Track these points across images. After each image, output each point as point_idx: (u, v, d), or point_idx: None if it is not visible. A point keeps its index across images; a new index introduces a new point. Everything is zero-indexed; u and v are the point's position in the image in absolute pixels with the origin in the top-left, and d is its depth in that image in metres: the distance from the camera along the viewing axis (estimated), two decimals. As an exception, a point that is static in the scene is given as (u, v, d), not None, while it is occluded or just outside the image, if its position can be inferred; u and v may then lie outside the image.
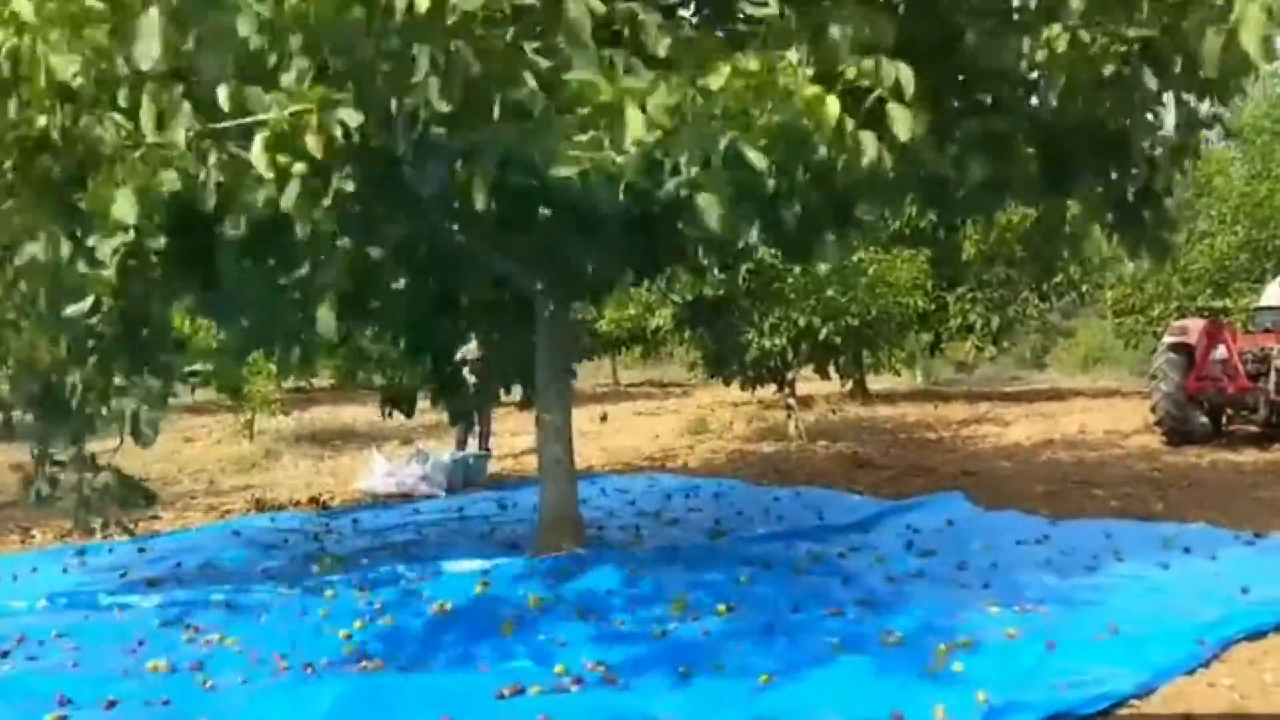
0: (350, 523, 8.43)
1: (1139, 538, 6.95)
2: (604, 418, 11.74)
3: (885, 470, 10.64)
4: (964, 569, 6.26)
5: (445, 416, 9.20)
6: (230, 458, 12.66)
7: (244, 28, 3.61)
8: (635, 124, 3.62)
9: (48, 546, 7.96)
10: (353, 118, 3.75)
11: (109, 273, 4.41)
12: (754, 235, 4.54)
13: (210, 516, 9.12)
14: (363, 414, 17.66)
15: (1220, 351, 11.70)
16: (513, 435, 13.49)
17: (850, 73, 4.16)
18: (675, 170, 4.00)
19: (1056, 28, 4.65)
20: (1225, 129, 6.00)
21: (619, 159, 3.71)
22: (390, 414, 8.40)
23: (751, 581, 5.89)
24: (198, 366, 6.88)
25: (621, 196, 3.90)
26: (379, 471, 10.19)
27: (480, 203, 4.20)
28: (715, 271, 8.94)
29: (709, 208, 4.10)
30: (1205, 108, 5.55)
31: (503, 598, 5.68)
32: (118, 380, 5.57)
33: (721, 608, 5.40)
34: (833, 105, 3.86)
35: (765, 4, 4.41)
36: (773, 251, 9.93)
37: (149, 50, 3.63)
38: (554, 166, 3.67)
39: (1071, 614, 5.32)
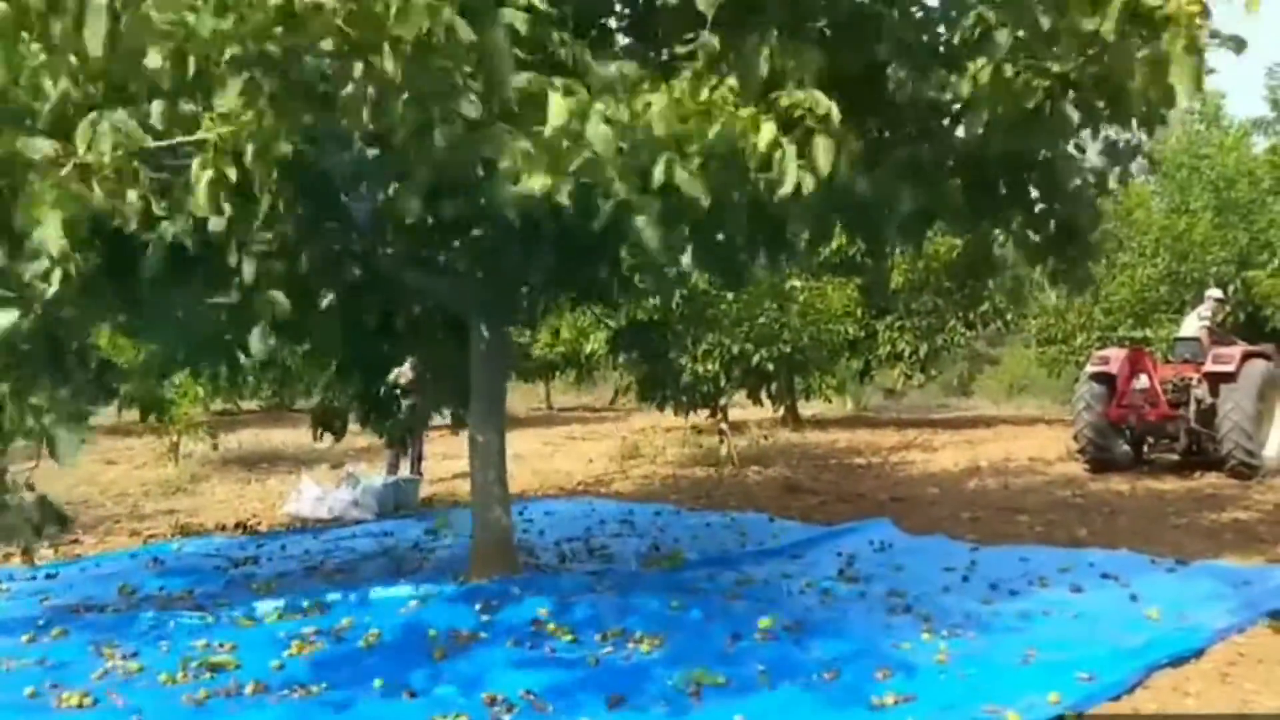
0: (279, 548, 8.28)
1: (1063, 564, 7.08)
2: None
3: (816, 496, 10.73)
4: (893, 594, 6.32)
5: (377, 439, 9.12)
6: (154, 481, 12.37)
7: (152, 59, 3.55)
8: (558, 109, 3.63)
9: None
10: (285, 144, 3.72)
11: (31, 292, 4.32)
12: (687, 259, 4.58)
13: (133, 541, 8.90)
14: (292, 437, 17.40)
15: (1142, 380, 11.99)
16: (444, 459, 13.36)
17: (783, 100, 4.24)
18: (610, 193, 4.04)
19: (981, 61, 4.78)
20: (1150, 160, 6.17)
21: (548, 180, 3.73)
22: (321, 436, 8.29)
23: (684, 608, 5.89)
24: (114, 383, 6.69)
25: (560, 213, 3.93)
26: (309, 496, 10.03)
27: (411, 214, 4.21)
28: (650, 296, 8.97)
29: (644, 230, 4.14)
30: (1128, 139, 5.74)
31: (434, 624, 5.61)
32: (35, 400, 5.44)
33: (652, 636, 5.39)
34: (767, 129, 3.93)
35: (695, 35, 4.48)
36: (706, 277, 10.02)
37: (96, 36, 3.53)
38: (494, 181, 3.67)
39: (998, 639, 5.41)
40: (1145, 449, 12.47)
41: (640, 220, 4.19)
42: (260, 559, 7.89)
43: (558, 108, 3.66)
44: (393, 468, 11.33)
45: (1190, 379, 11.82)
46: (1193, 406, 11.70)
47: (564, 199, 3.70)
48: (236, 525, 9.49)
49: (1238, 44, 4.50)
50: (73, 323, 5.38)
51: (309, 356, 7.48)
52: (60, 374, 5.48)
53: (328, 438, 8.81)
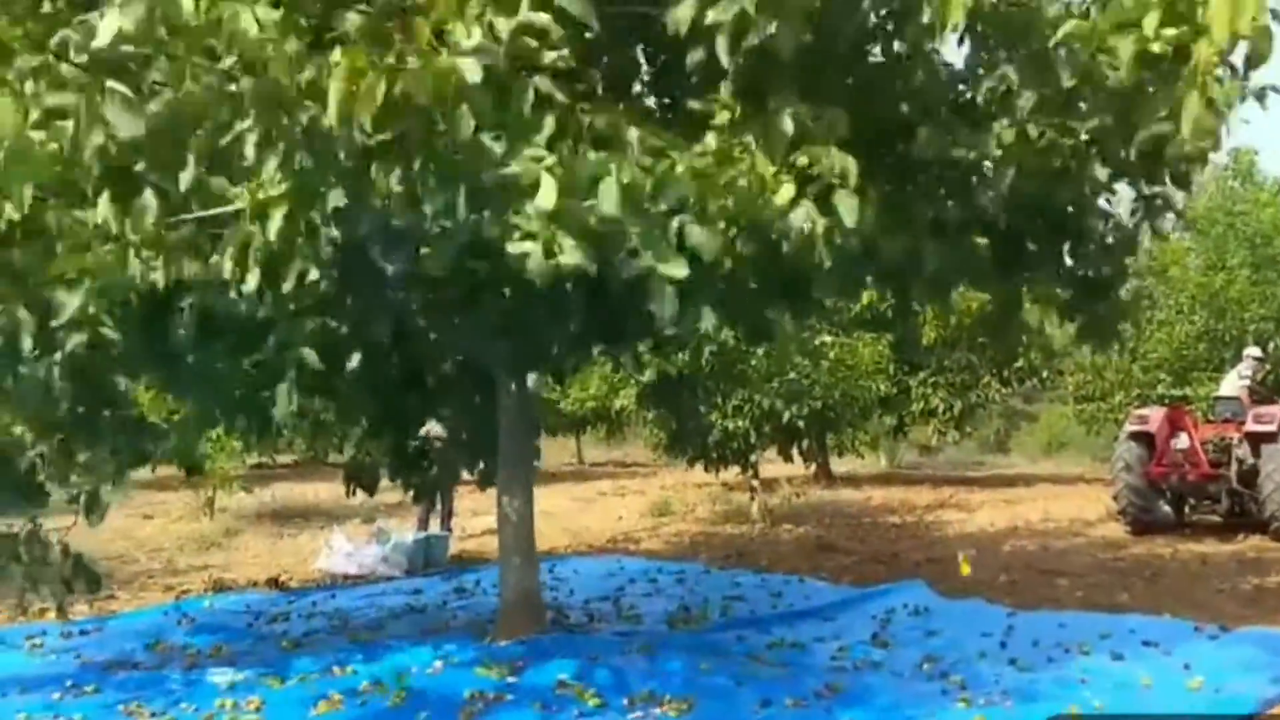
0: (309, 604, 8.29)
1: (1103, 629, 6.91)
2: None
3: (849, 555, 10.60)
4: (928, 660, 6.21)
5: (407, 494, 9.14)
6: (189, 536, 12.45)
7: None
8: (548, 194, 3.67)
9: (2, 626, 7.76)
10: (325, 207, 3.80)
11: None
12: (708, 318, 4.59)
13: (168, 596, 8.95)
14: (326, 491, 17.44)
15: (1182, 440, 11.81)
16: (474, 514, 13.36)
17: (801, 160, 4.27)
18: (633, 253, 4.07)
19: (1005, 121, 4.79)
20: (1180, 216, 6.12)
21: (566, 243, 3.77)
22: (353, 491, 8.32)
23: (712, 671, 5.82)
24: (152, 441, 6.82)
25: (581, 272, 3.96)
26: (339, 551, 10.05)
27: (438, 268, 4.27)
28: (678, 352, 8.99)
29: (661, 289, 4.16)
30: (1158, 195, 5.71)
31: (460, 686, 5.58)
32: (76, 460, 5.55)
33: (680, 700, 5.32)
34: (785, 188, 3.95)
35: (718, 97, 4.53)
36: (735, 333, 10.02)
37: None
38: (511, 244, 3.71)
39: (1035, 709, 5.28)
40: (1187, 510, 12.25)
41: (657, 281, 4.22)
42: (290, 615, 7.90)
43: (547, 192, 3.70)
44: (423, 523, 11.33)
45: (1231, 439, 11.63)
46: (1234, 467, 11.49)
47: (572, 262, 3.73)
48: (268, 581, 9.52)
49: (1262, 96, 4.49)
50: (109, 383, 5.49)
51: (340, 412, 7.53)
52: (99, 434, 5.58)
53: (359, 493, 8.84)
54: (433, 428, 8.86)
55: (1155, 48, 3.91)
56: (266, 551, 11.70)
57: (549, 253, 3.66)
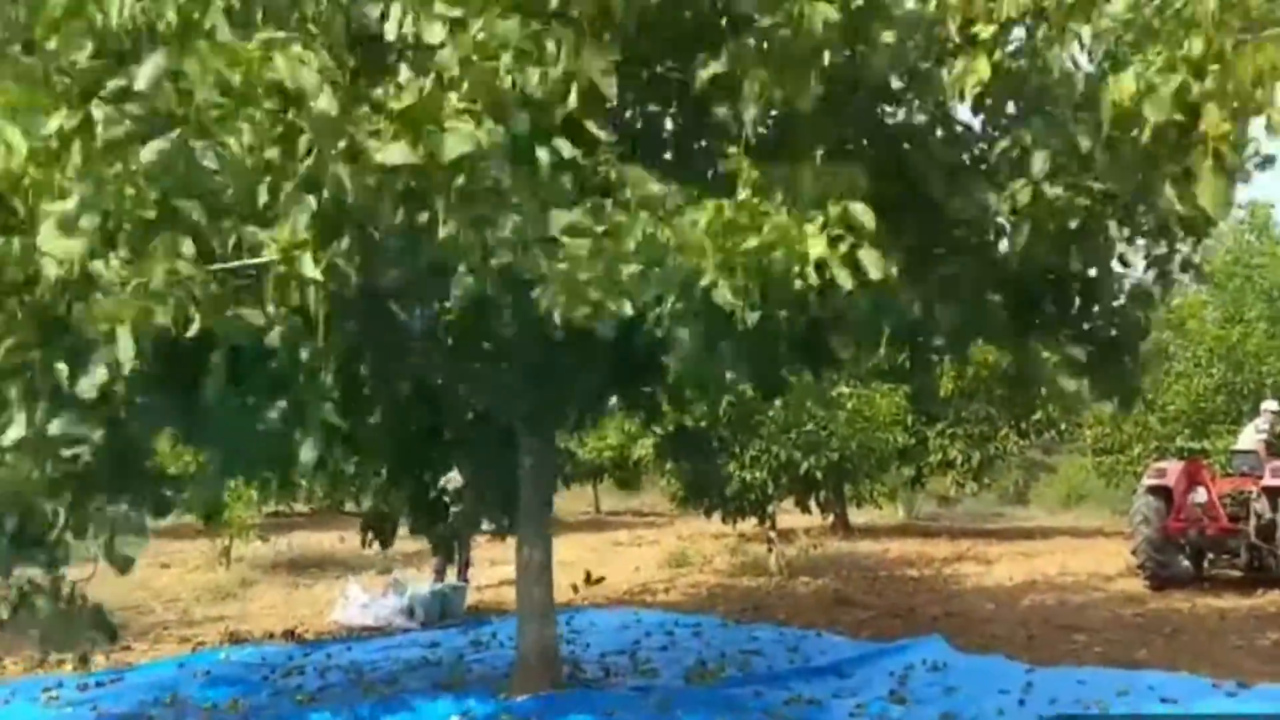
0: (324, 657, 8.28)
1: (1121, 686, 6.85)
2: (589, 579, 11.51)
3: (866, 610, 10.55)
4: (946, 717, 6.17)
5: (425, 545, 9.18)
6: (205, 586, 12.47)
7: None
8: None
9: (19, 677, 7.79)
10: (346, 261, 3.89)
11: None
12: (729, 371, 4.65)
13: (183, 648, 8.96)
14: (341, 540, 17.48)
15: (1199, 494, 11.76)
16: (491, 565, 13.35)
17: (823, 218, 4.34)
18: (657, 302, 4.15)
19: (1021, 181, 4.86)
20: (1197, 271, 6.17)
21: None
22: (371, 542, 8.35)
23: (729, 726, 5.81)
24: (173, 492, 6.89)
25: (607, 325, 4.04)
26: (355, 603, 10.06)
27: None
28: (696, 403, 9.03)
29: (685, 342, 4.23)
30: (1174, 252, 5.76)
31: (474, 741, 5.58)
32: (98, 508, 5.60)
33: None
34: (816, 241, 4.03)
35: (742, 156, 4.62)
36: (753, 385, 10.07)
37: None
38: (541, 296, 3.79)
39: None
40: (1205, 564, 12.16)
41: (682, 333, 4.29)
42: (306, 669, 7.90)
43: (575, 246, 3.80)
44: (440, 574, 11.33)
45: (1249, 493, 11.58)
46: (1253, 521, 11.43)
47: (605, 315, 3.80)
48: (284, 633, 9.52)
49: (1266, 163, 4.57)
50: (136, 434, 5.56)
51: (361, 462, 7.59)
52: (122, 486, 5.64)
53: (376, 543, 8.87)
54: (452, 478, 8.91)
55: (1175, 116, 3.97)
56: (282, 602, 11.71)
57: (576, 304, 3.71)
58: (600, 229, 3.89)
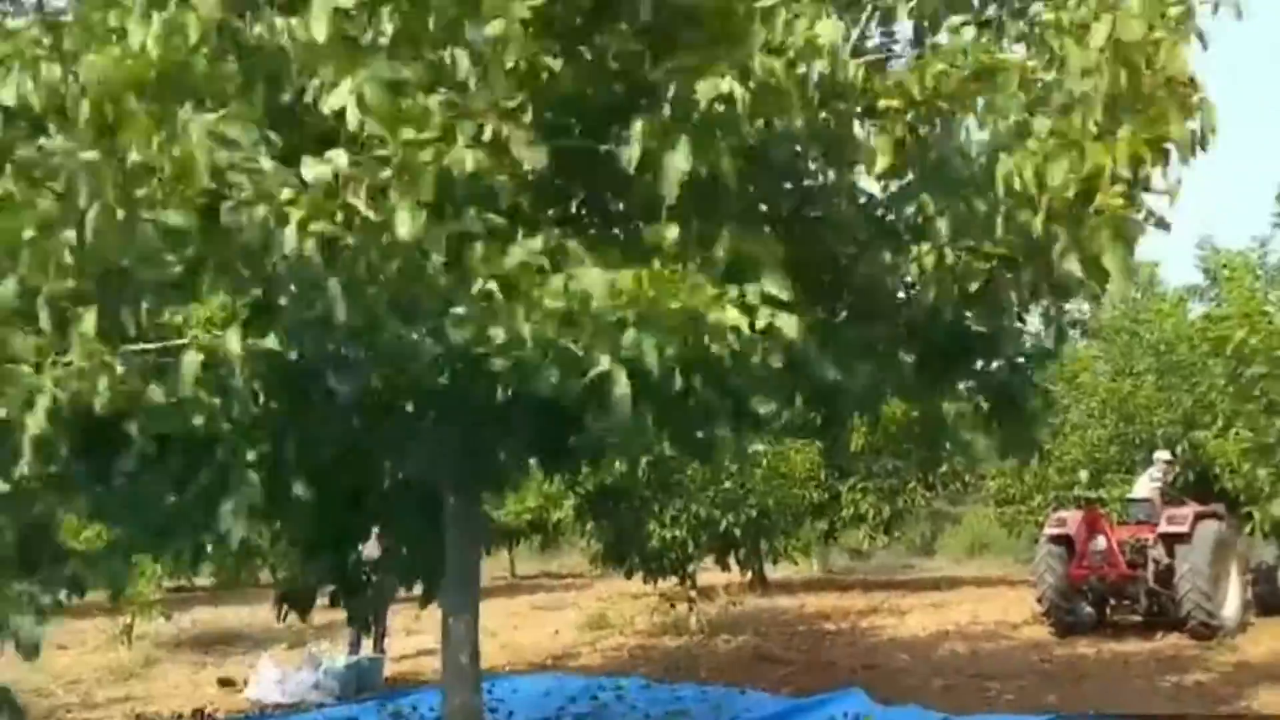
0: (239, 735, 8.09)
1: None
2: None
3: (787, 665, 10.68)
4: (868, 768, 6.30)
5: (337, 616, 8.99)
6: (107, 666, 12.04)
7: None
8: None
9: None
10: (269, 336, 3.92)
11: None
12: (651, 432, 4.76)
13: (86, 731, 8.65)
14: (247, 615, 17.02)
15: (1099, 542, 12.19)
16: (406, 634, 13.15)
17: (742, 285, 4.51)
18: (588, 363, 4.25)
19: (925, 246, 5.11)
20: (1084, 331, 6.52)
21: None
22: (286, 615, 8.19)
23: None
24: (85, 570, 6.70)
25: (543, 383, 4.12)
26: (269, 679, 9.81)
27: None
28: (618, 463, 9.11)
29: (620, 402, 4.33)
30: (1067, 311, 6.08)
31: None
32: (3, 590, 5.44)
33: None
34: (733, 312, 4.18)
35: (660, 224, 4.77)
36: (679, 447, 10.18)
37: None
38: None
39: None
40: (1107, 610, 12.57)
41: (617, 390, 4.40)
42: (220, 747, 7.70)
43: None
44: (354, 646, 11.12)
45: (1146, 540, 12.03)
46: (1150, 567, 11.88)
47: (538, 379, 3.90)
48: (194, 713, 9.25)
49: (1163, 225, 4.88)
50: (43, 511, 5.44)
51: (281, 533, 7.48)
52: (31, 565, 5.49)
53: (285, 617, 8.68)
54: (369, 548, 8.81)
55: (1069, 193, 4.23)
56: (188, 681, 11.35)
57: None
58: (534, 295, 3.98)
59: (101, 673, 11.75)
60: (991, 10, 5.19)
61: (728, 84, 4.32)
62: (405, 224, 3.65)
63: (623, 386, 4.02)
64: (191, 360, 4.00)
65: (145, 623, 13.52)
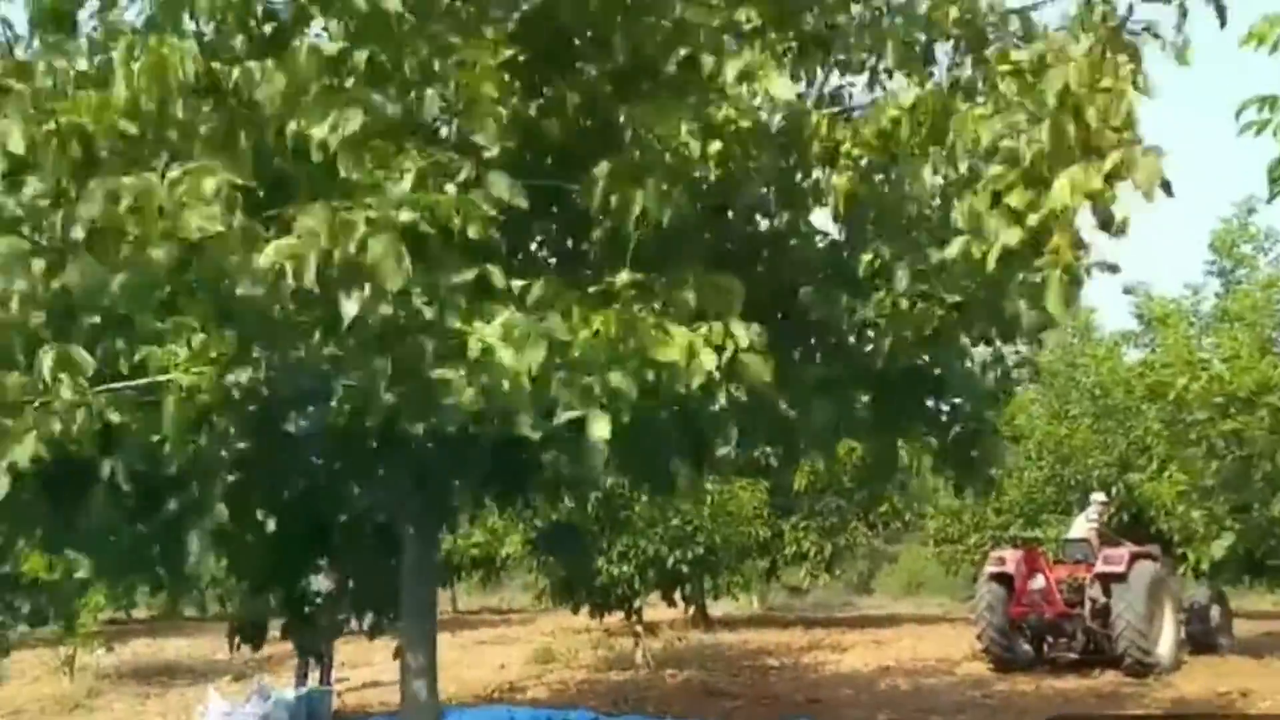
0: (187, 767, 8.00)
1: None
2: None
3: (733, 699, 10.77)
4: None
5: (280, 649, 8.93)
6: (50, 697, 11.80)
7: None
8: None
9: None
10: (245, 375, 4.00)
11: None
12: (623, 474, 4.91)
13: (32, 764, 8.50)
14: (186, 647, 16.77)
15: (1038, 580, 12.47)
16: (352, 667, 13.06)
17: (703, 330, 4.66)
18: (553, 409, 4.36)
19: (882, 291, 5.31)
20: (1035, 371, 6.77)
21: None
22: (238, 647, 8.14)
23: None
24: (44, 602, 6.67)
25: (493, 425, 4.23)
26: (215, 711, 9.69)
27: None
28: (568, 499, 9.19)
29: (596, 441, 4.45)
30: (1014, 353, 6.34)
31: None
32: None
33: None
34: (707, 355, 4.32)
35: (622, 268, 4.91)
36: (621, 481, 10.31)
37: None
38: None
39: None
40: (1045, 648, 12.84)
41: (594, 430, 4.52)
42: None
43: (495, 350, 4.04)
44: (301, 679, 11.03)
45: (1083, 579, 12.33)
46: (1088, 606, 12.17)
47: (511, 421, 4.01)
48: (140, 744, 9.14)
49: (1112, 269, 5.12)
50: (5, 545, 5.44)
51: (237, 566, 7.46)
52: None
53: (225, 649, 8.61)
54: (320, 580, 8.79)
55: (1013, 240, 4.44)
56: (132, 713, 11.18)
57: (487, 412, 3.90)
58: (508, 339, 4.09)
59: (46, 703, 11.54)
60: (943, 59, 5.43)
61: (685, 131, 4.49)
62: (391, 272, 3.73)
63: (601, 430, 4.11)
64: (173, 398, 4.04)
65: (86, 654, 13.26)
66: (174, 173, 3.77)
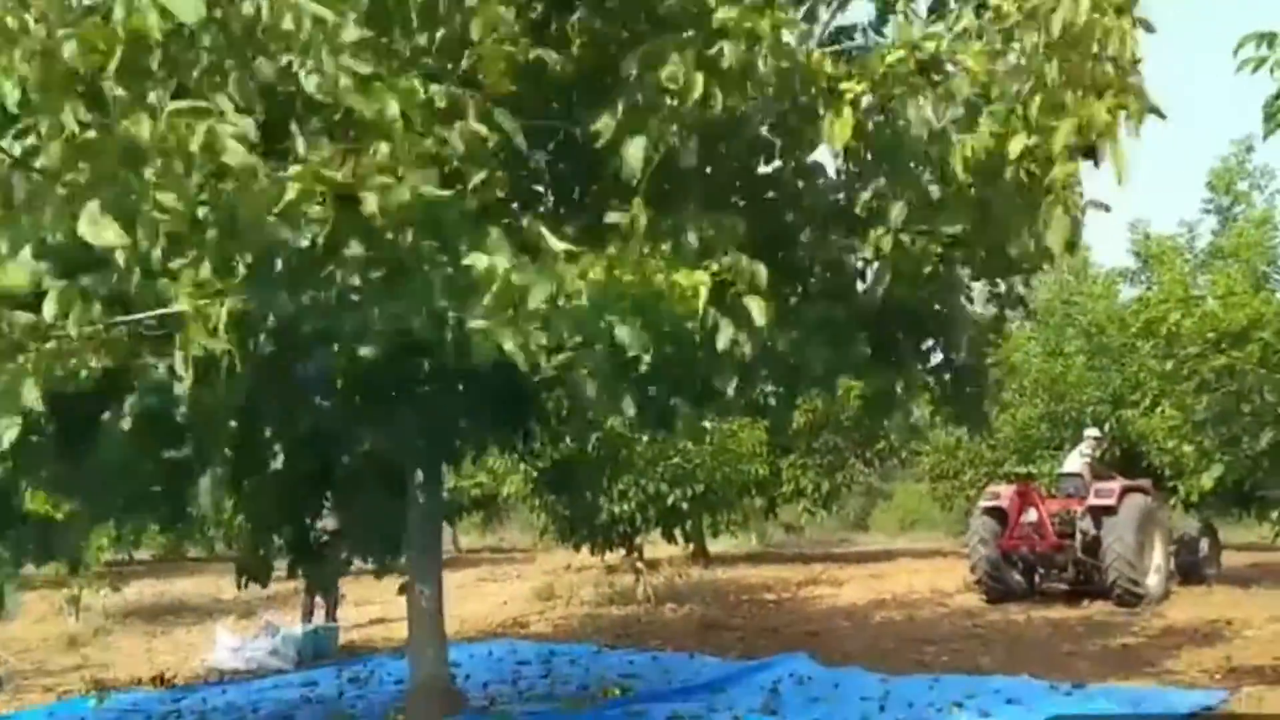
0: (200, 701, 8.19)
1: (970, 690, 7.47)
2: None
3: (733, 632, 10.99)
4: (816, 725, 6.61)
5: (284, 587, 9.07)
6: (58, 636, 12.00)
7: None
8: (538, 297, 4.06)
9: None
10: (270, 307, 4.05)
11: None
12: (630, 409, 4.99)
13: (48, 697, 8.68)
14: (190, 586, 17.02)
15: (1031, 514, 12.67)
16: (356, 605, 13.27)
17: (713, 267, 4.72)
18: (558, 349, 4.43)
19: (881, 230, 5.36)
20: (1026, 308, 6.85)
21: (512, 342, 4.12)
22: (246, 585, 8.29)
23: (619, 743, 6.10)
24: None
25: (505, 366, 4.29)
26: (225, 646, 9.90)
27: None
28: (571, 439, 9.32)
29: (586, 383, 4.53)
30: (1010, 289, 6.41)
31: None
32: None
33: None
34: (702, 291, 4.38)
35: (628, 209, 4.96)
36: (624, 420, 10.41)
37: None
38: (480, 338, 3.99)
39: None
40: (1037, 579, 13.08)
41: (583, 374, 4.60)
42: (182, 713, 7.80)
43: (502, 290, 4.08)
44: (307, 616, 11.23)
45: (1075, 512, 12.52)
46: (1079, 538, 12.36)
47: (529, 356, 4.08)
48: (154, 678, 9.30)
49: (1103, 208, 5.19)
50: (15, 481, 5.52)
51: (246, 506, 7.58)
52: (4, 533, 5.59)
53: (229, 588, 8.75)
54: (326, 520, 8.92)
55: (1021, 172, 4.49)
56: (141, 650, 11.39)
57: (502, 346, 3.96)
58: (513, 278, 4.14)
59: (53, 642, 11.73)
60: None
61: (685, 70, 4.50)
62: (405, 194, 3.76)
63: (604, 369, 4.18)
64: (186, 332, 4.08)
65: (92, 594, 13.46)
66: (182, 104, 3.79)
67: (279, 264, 4.16)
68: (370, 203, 3.87)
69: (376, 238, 4.02)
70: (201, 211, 3.86)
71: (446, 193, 3.91)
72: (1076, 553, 12.35)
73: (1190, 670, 8.25)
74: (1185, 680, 7.87)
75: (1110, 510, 11.99)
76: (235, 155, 3.60)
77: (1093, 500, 12.27)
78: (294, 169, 3.94)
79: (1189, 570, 13.18)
